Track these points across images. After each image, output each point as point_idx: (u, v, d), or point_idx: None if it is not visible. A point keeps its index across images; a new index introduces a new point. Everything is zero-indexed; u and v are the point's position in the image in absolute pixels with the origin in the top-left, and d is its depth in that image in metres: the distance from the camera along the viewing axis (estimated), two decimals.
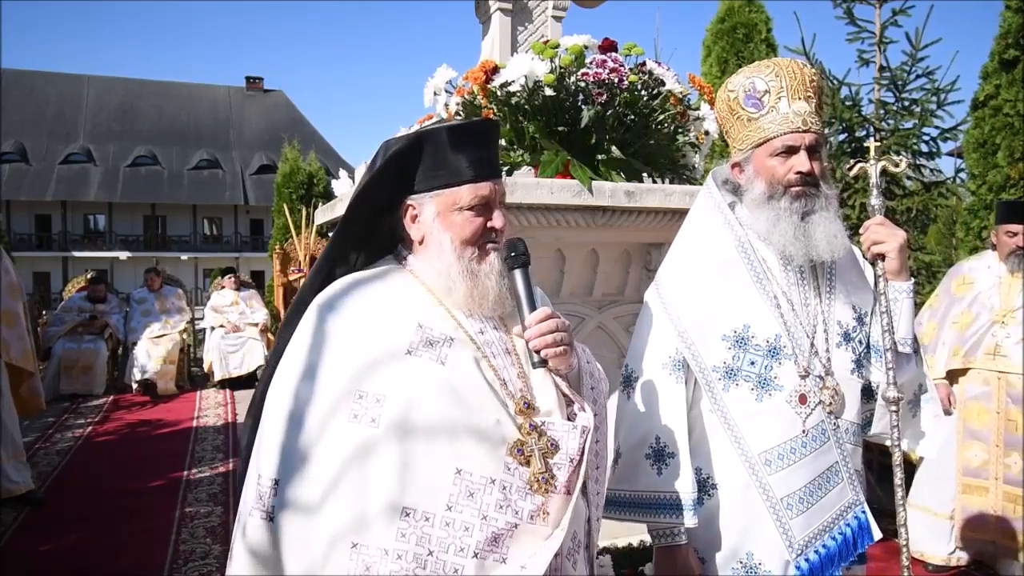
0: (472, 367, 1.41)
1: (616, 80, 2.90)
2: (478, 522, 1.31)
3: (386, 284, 1.49)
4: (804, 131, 1.75)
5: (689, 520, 1.75)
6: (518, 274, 1.47)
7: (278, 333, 1.57)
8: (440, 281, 1.46)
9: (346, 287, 1.48)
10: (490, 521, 1.32)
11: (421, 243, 1.50)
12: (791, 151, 1.75)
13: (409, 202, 1.48)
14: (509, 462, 1.36)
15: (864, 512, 1.82)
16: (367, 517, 1.30)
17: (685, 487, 1.76)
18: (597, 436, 1.53)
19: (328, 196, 10.25)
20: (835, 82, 5.37)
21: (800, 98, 1.76)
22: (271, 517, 1.35)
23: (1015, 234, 3.68)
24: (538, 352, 1.42)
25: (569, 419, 1.46)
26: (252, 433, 1.48)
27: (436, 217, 1.46)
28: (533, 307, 1.46)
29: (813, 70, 1.81)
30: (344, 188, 3.85)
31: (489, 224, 1.47)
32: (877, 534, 1.83)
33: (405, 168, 1.46)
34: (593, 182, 2.85)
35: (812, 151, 1.76)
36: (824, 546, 1.76)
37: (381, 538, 1.29)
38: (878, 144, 1.96)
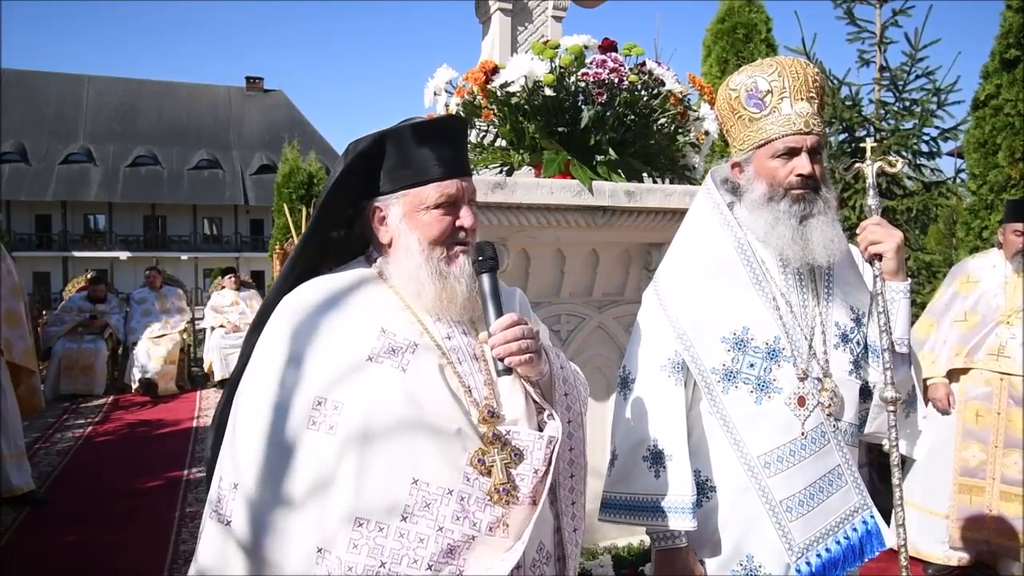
0: (435, 374, 1.37)
1: (616, 80, 2.90)
2: (433, 533, 1.28)
3: (352, 288, 1.45)
4: (806, 133, 1.73)
5: (687, 523, 1.74)
6: (485, 278, 1.42)
7: (246, 337, 1.53)
8: (409, 284, 1.42)
9: (312, 291, 1.45)
10: (446, 532, 1.28)
11: (390, 245, 1.46)
12: (792, 153, 1.74)
13: (376, 204, 1.45)
14: (469, 472, 1.32)
15: (873, 517, 1.80)
16: (325, 525, 1.28)
17: (683, 490, 1.75)
18: (572, 444, 1.48)
19: None
20: (835, 82, 5.37)
21: (803, 99, 1.75)
22: (228, 521, 1.33)
23: (1022, 233, 3.66)
24: (502, 360, 1.36)
25: (541, 427, 1.42)
26: (218, 435, 1.46)
27: (403, 218, 1.42)
28: (500, 313, 1.40)
29: (816, 69, 1.80)
30: None
31: (458, 223, 1.43)
32: (889, 541, 1.78)
33: (370, 169, 1.43)
34: (593, 182, 2.85)
35: (813, 153, 1.75)
36: (827, 550, 1.74)
37: (338, 547, 1.28)
38: (875, 144, 1.96)
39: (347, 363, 1.35)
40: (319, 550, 1.28)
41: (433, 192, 1.41)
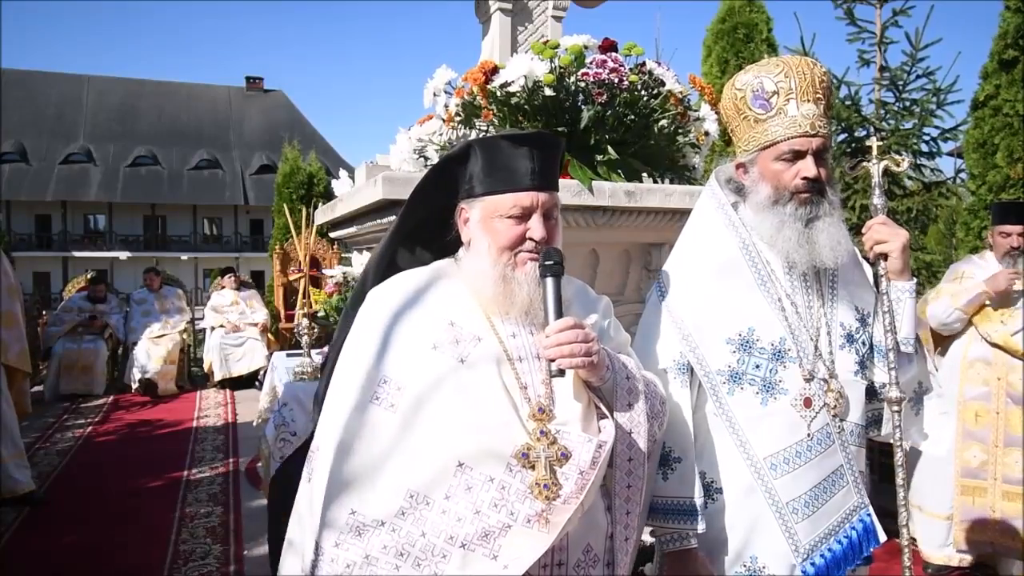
0: (491, 368, 1.45)
1: (616, 80, 2.89)
2: (470, 515, 1.35)
3: (431, 283, 1.57)
4: (812, 135, 1.72)
5: (697, 525, 1.73)
6: (549, 282, 1.48)
7: (341, 321, 1.72)
8: (475, 282, 1.52)
9: (398, 283, 1.59)
10: (482, 516, 1.35)
11: (469, 245, 1.57)
12: (798, 155, 1.73)
13: (461, 205, 1.57)
14: (513, 464, 1.38)
15: (869, 515, 1.81)
16: (376, 490, 1.38)
17: (692, 492, 1.74)
18: (631, 454, 1.51)
19: (328, 196, 10.23)
20: (835, 82, 5.37)
21: (809, 100, 1.73)
22: (309, 478, 1.48)
23: (1009, 235, 3.68)
24: (552, 361, 1.41)
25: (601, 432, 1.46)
26: (316, 403, 1.64)
27: (479, 222, 1.53)
28: (559, 316, 1.45)
29: (824, 69, 1.78)
30: (344, 188, 3.84)
31: (528, 233, 1.50)
32: (883, 537, 1.81)
33: (462, 173, 1.56)
34: (593, 182, 2.85)
35: (819, 156, 1.74)
36: (830, 550, 1.74)
37: (381, 512, 1.37)
38: (880, 143, 1.95)
39: (413, 349, 1.47)
40: (352, 512, 1.38)
41: (508, 202, 1.50)
